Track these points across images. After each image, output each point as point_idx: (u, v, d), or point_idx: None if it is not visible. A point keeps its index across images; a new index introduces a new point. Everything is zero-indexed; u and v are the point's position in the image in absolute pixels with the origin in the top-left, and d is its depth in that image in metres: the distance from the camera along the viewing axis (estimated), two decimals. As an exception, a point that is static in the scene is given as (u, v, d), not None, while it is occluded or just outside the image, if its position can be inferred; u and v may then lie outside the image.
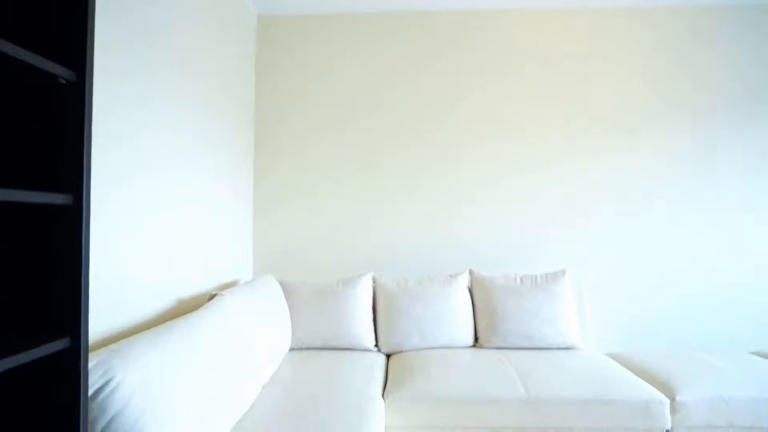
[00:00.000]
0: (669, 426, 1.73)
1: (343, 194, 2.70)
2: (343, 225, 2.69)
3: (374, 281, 2.41)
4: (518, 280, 2.32)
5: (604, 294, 2.63)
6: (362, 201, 2.70)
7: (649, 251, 2.66)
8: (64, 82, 0.75)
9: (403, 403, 1.73)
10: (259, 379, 1.65)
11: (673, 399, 1.77)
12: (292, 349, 2.22)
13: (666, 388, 1.83)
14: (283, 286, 2.32)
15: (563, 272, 2.34)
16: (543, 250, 2.63)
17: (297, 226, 2.70)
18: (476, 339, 2.30)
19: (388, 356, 2.26)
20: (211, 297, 1.68)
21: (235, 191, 2.41)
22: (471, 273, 2.43)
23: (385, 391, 1.80)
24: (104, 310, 1.28)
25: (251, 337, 1.61)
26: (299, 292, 2.28)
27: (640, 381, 1.84)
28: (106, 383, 0.94)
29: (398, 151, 2.70)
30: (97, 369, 0.95)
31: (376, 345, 2.29)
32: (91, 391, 0.92)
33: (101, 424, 0.93)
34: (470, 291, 2.39)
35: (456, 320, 2.23)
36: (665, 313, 2.66)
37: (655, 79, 2.67)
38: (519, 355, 2.09)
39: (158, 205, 1.61)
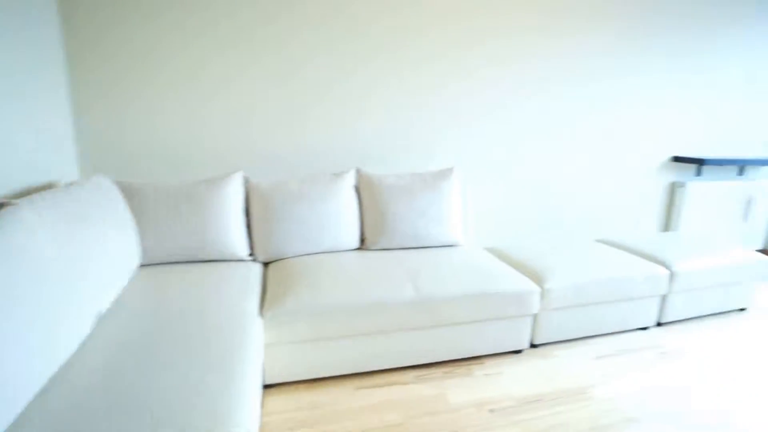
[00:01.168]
0: (537, 310, 1.92)
1: (210, 78, 2.18)
2: (210, 119, 2.22)
3: (247, 182, 2.10)
4: (408, 178, 2.23)
5: (484, 192, 2.75)
6: (231, 91, 2.22)
7: (526, 155, 2.80)
8: None
9: (284, 317, 1.58)
10: (94, 307, 1.32)
11: (542, 287, 1.96)
12: (142, 266, 1.87)
13: (536, 277, 2.01)
14: (123, 188, 1.87)
15: (451, 170, 2.32)
16: (437, 147, 2.57)
17: (145, 117, 2.15)
18: (362, 241, 2.23)
19: (265, 265, 2.06)
20: None
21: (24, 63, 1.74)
22: (358, 172, 2.26)
23: (263, 306, 1.63)
24: None
25: (68, 257, 1.24)
26: (147, 196, 1.87)
27: (516, 273, 1.97)
28: None
29: (279, 33, 2.22)
30: None
31: (251, 254, 2.07)
32: None
33: None
34: (357, 191, 2.24)
35: (341, 222, 2.10)
36: (533, 211, 2.92)
37: (555, -37, 2.57)
38: (407, 255, 2.07)
39: None
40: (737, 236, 3.53)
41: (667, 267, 2.27)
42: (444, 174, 2.28)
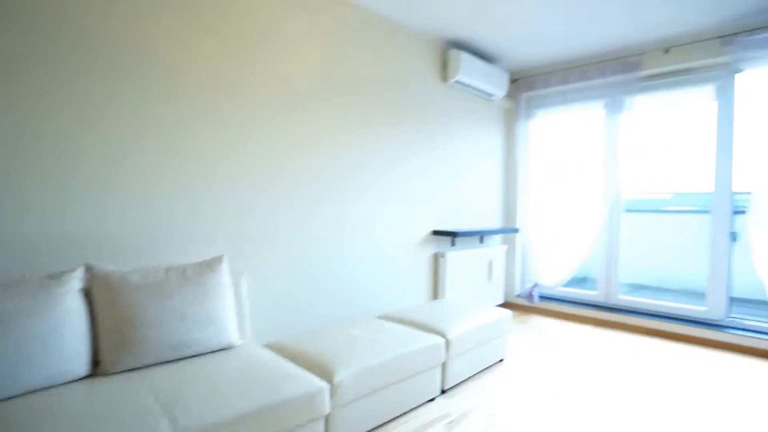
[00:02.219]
0: (328, 410, 1.75)
1: None
2: None
3: None
4: (162, 274, 1.85)
5: (262, 279, 2.54)
6: None
7: (305, 237, 2.76)
8: None
9: None
10: None
11: (331, 382, 1.82)
12: None
13: (324, 371, 1.87)
14: None
15: (219, 259, 2.05)
16: (199, 234, 2.25)
17: None
18: (96, 365, 1.69)
19: None
20: None
21: None
22: (89, 269, 1.76)
23: None
24: None
25: None
26: None
27: (301, 371, 1.79)
28: None
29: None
30: None
31: None
32: None
33: None
34: (88, 295, 1.73)
35: (57, 343, 1.55)
36: (318, 293, 2.84)
37: (321, 67, 2.76)
38: (164, 373, 1.65)
39: None
40: (486, 294, 4.23)
41: (443, 335, 2.46)
42: (211, 265, 1.99)
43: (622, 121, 3.82)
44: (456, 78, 3.69)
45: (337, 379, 1.83)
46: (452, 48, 3.80)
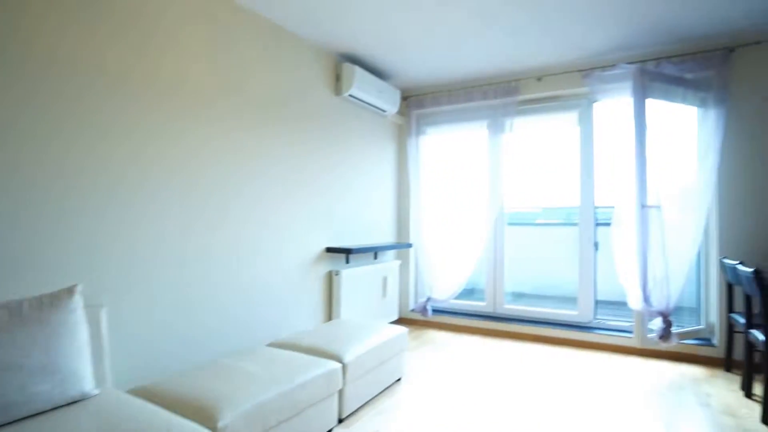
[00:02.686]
0: (211, 462, 1.53)
1: None
2: None
3: None
4: (-15, 313, 1.47)
5: (128, 311, 2.20)
6: None
7: (176, 259, 2.47)
8: None
9: None
10: None
11: (214, 429, 1.61)
12: None
13: (206, 415, 1.65)
14: None
15: (71, 291, 1.71)
16: (48, 259, 1.86)
17: None
18: None
19: None
20: None
21: None
22: None
23: None
24: None
25: None
26: None
27: (176, 419, 1.55)
28: None
29: None
30: None
31: None
32: None
33: None
34: None
35: None
36: (196, 324, 2.55)
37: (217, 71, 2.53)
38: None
39: None
40: (381, 311, 4.23)
41: (340, 359, 2.35)
42: (56, 299, 1.65)
43: (504, 140, 4.14)
44: (349, 92, 3.68)
45: (221, 423, 1.62)
46: (346, 61, 3.79)
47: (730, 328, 3.18)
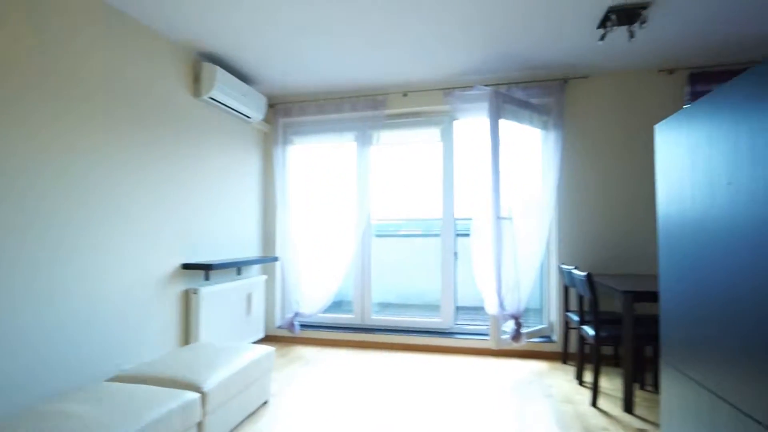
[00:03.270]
0: None
1: None
2: None
3: None
4: None
5: None
6: None
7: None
8: None
9: None
10: None
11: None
12: None
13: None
14: None
15: None
16: None
17: None
18: None
19: None
20: None
21: None
22: None
23: None
24: None
25: None
26: None
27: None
28: None
29: None
30: None
31: None
32: None
33: None
34: None
35: None
36: (12, 360, 2.07)
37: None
38: None
39: None
40: (246, 330, 3.97)
41: (198, 388, 2.12)
42: None
43: (371, 153, 4.25)
44: (210, 94, 3.42)
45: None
46: (206, 61, 3.52)
47: (566, 325, 3.68)
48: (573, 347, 3.76)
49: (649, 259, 3.71)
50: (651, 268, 3.70)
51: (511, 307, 3.52)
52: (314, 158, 4.48)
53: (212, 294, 3.47)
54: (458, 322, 4.26)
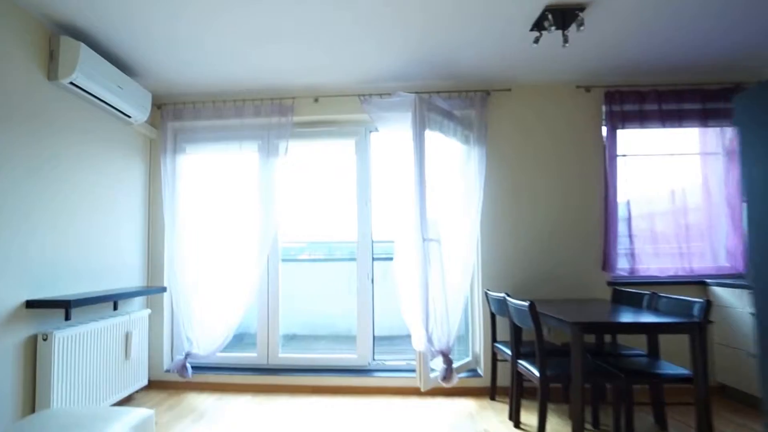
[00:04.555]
0: None
1: None
2: None
3: None
4: None
5: None
6: None
7: None
8: None
9: None
10: None
11: None
12: None
13: None
14: None
15: None
16: None
17: None
18: None
19: None
20: None
21: None
22: None
23: None
24: None
25: None
26: None
27: None
28: None
29: None
30: None
31: None
32: None
33: None
34: None
35: None
36: None
37: None
38: None
39: None
40: (123, 379, 2.97)
41: None
42: None
43: (277, 166, 3.49)
44: (71, 77, 2.49)
45: None
46: (66, 34, 2.56)
47: (494, 358, 3.21)
48: (501, 381, 3.29)
49: (576, 281, 3.39)
50: (580, 290, 3.38)
51: (440, 342, 2.95)
52: (210, 170, 3.60)
53: (73, 338, 2.48)
54: (377, 357, 3.60)
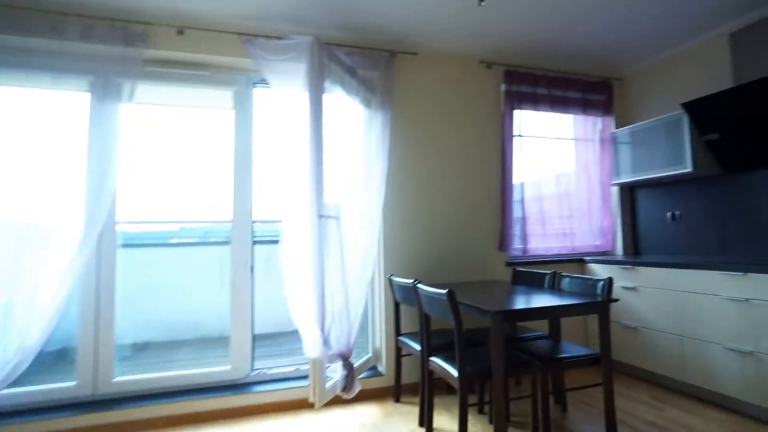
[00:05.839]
0: None
1: None
2: None
3: None
4: None
5: None
6: None
7: None
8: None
9: None
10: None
11: None
12: None
13: None
14: None
15: None
16: None
17: None
18: None
19: None
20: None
21: None
22: None
23: None
24: None
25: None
26: None
27: None
28: None
29: None
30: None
31: None
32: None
33: None
34: None
35: None
36: None
37: None
38: None
39: None
40: None
41: None
42: None
43: (118, 114, 2.41)
44: None
45: None
46: None
47: (398, 353, 2.69)
48: (407, 378, 2.80)
49: (479, 262, 3.06)
50: (482, 272, 3.06)
51: (339, 343, 2.30)
52: (7, 113, 2.32)
53: None
54: (258, 364, 2.78)
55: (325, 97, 2.37)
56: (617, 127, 3.58)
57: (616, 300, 2.15)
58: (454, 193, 3.05)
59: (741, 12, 2.65)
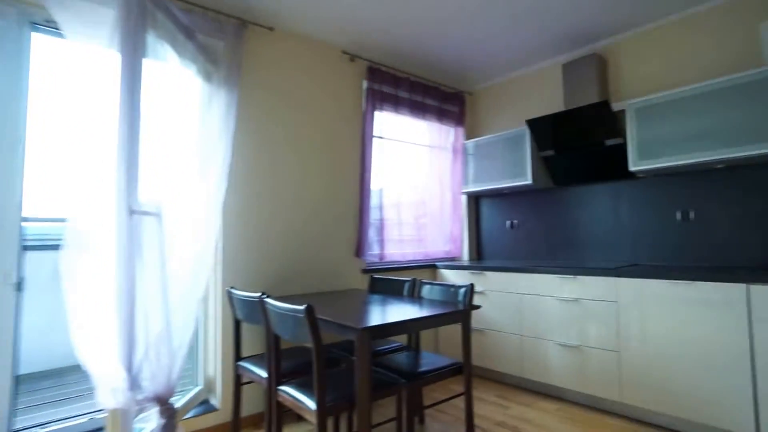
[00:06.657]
0: None
1: None
2: None
3: None
4: None
5: None
6: None
7: None
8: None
9: None
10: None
11: None
12: None
13: None
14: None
15: None
16: None
17: None
18: None
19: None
20: None
21: None
22: None
23: None
24: None
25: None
26: None
27: None
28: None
29: None
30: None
31: None
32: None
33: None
34: None
35: None
36: None
37: None
38: None
39: None
40: None
41: None
42: None
43: None
44: None
45: None
46: None
47: (238, 381, 2.15)
48: (248, 409, 2.27)
49: (333, 270, 2.72)
50: (337, 281, 2.72)
51: (155, 382, 1.67)
52: None
53: None
54: (24, 414, 1.90)
55: (149, 49, 1.73)
56: (467, 138, 3.68)
57: (479, 306, 2.05)
58: (309, 192, 2.66)
59: (571, 47, 2.93)
